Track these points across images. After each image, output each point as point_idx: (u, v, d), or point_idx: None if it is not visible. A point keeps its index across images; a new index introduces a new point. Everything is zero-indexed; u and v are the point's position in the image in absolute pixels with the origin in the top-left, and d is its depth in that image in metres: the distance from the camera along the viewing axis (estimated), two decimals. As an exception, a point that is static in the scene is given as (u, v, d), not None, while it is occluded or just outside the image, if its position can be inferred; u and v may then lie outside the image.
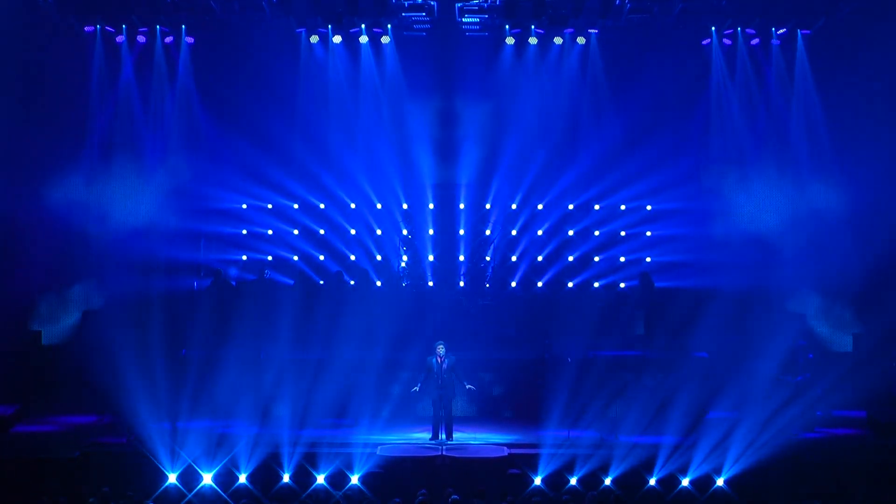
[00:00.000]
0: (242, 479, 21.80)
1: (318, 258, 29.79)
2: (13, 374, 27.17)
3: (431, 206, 30.19)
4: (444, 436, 23.93)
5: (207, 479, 21.77)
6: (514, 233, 30.12)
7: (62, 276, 28.05)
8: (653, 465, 22.05)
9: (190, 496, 20.86)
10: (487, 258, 29.98)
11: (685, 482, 21.76)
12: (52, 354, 27.70)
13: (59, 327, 28.23)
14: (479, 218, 30.15)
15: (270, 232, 29.86)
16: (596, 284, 29.75)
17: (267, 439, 23.31)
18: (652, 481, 21.86)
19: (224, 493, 21.13)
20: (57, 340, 28.08)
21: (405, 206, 30.10)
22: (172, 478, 21.63)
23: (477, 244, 30.00)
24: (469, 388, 24.20)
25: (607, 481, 21.83)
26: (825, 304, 28.84)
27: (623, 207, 30.06)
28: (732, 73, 29.40)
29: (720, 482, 21.69)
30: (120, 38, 28.72)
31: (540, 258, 29.95)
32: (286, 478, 21.98)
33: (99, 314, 28.18)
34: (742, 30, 29.13)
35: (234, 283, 28.99)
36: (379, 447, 23.12)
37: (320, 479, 21.85)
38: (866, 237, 28.10)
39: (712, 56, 29.37)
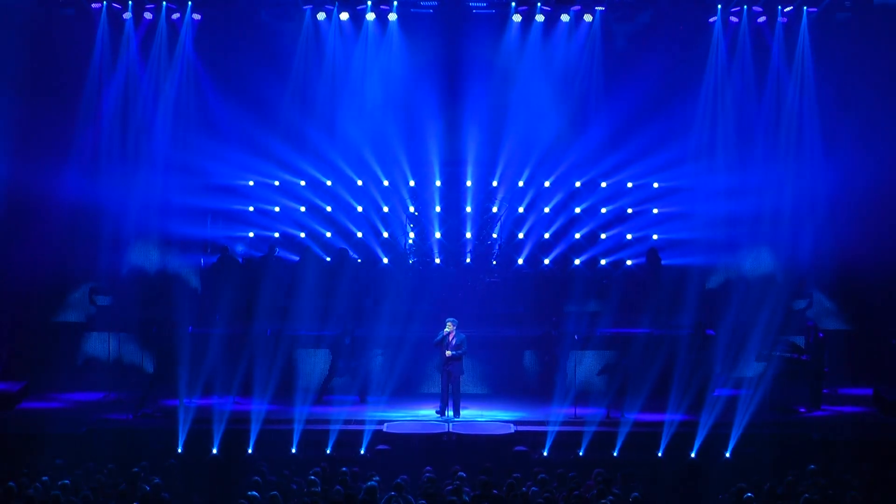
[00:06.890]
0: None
1: (324, 235, 29.76)
2: (20, 351, 27.26)
3: (438, 183, 30.11)
4: (451, 412, 23.98)
5: (214, 452, 21.89)
6: (520, 210, 30.05)
7: (69, 252, 28.00)
8: (659, 441, 22.13)
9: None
10: (494, 235, 29.93)
11: (692, 456, 21.86)
12: (59, 331, 27.72)
13: (66, 304, 28.22)
14: (485, 195, 30.08)
15: (277, 209, 29.81)
16: (603, 262, 29.71)
17: (274, 415, 23.40)
18: (659, 456, 21.97)
19: (231, 465, 21.21)
20: (64, 317, 28.09)
21: (412, 184, 30.04)
22: (178, 453, 21.73)
23: (484, 221, 29.96)
24: (452, 354, 24.04)
25: (614, 457, 21.94)
26: (833, 282, 28.79)
27: (630, 185, 29.96)
28: (739, 51, 29.25)
29: (727, 455, 21.80)
30: (126, 15, 28.57)
31: (547, 235, 29.87)
32: (293, 452, 22.09)
33: (106, 291, 28.17)
34: (749, 7, 28.99)
35: (240, 260, 28.97)
36: (385, 424, 23.17)
37: (327, 454, 21.94)
38: (872, 215, 28.07)
39: (719, 33, 29.21)
